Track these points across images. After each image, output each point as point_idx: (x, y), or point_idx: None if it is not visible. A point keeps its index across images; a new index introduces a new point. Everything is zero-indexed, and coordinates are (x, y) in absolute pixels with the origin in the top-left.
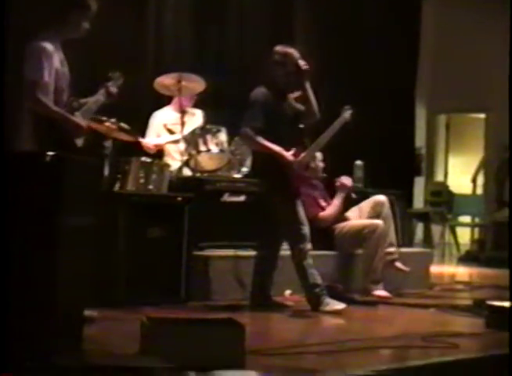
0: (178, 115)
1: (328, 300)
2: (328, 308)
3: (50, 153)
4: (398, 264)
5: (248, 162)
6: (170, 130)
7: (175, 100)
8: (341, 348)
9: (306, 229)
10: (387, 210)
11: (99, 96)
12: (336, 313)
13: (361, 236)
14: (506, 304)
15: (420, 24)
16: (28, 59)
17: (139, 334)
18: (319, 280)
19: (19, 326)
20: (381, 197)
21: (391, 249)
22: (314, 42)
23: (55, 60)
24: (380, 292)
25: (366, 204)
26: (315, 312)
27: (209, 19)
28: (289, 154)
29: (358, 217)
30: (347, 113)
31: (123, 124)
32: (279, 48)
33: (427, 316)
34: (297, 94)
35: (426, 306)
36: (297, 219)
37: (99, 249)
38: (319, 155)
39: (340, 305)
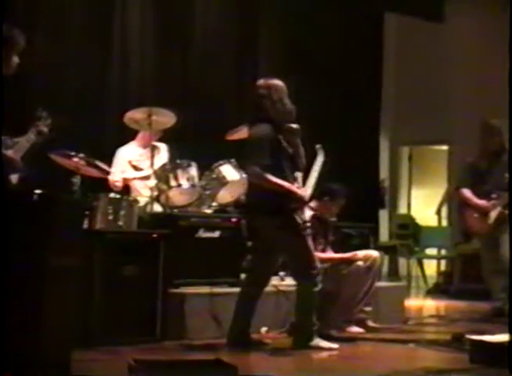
0: (142, 151)
1: (318, 339)
2: (322, 344)
3: (37, 191)
4: (371, 323)
5: (219, 197)
6: (135, 166)
7: (140, 136)
8: None
9: (318, 264)
10: (377, 267)
11: (30, 135)
12: (319, 349)
13: (340, 275)
14: (487, 338)
15: (382, 56)
16: None
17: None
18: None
19: None
20: (375, 253)
21: (367, 309)
22: (277, 69)
23: None
24: (353, 329)
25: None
26: (296, 349)
27: (173, 51)
28: (299, 190)
29: None
30: (321, 153)
31: (94, 160)
32: (261, 81)
33: (408, 351)
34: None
35: (404, 341)
36: (311, 254)
37: (75, 288)
38: None
39: (333, 345)
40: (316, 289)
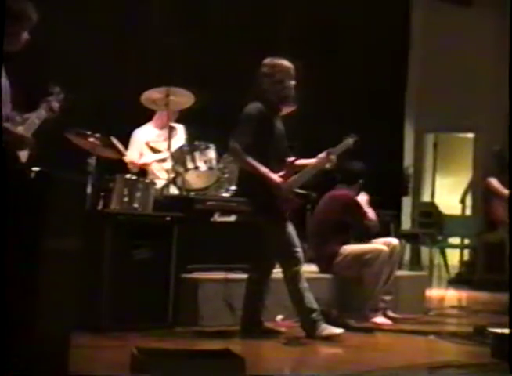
0: (159, 132)
1: (324, 325)
2: (325, 333)
3: (35, 168)
4: (391, 313)
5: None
6: (152, 148)
7: (157, 116)
8: None
9: (299, 252)
10: (396, 254)
11: (41, 111)
12: (333, 339)
13: (362, 260)
14: (509, 331)
15: (409, 44)
16: None
17: (128, 365)
18: (314, 305)
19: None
20: (394, 241)
21: (387, 297)
22: (300, 58)
23: None
24: (380, 319)
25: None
26: (309, 338)
27: (195, 33)
28: (276, 176)
29: None
30: (349, 141)
31: (112, 139)
32: (268, 60)
33: (428, 344)
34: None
35: (424, 333)
36: (288, 241)
37: (83, 271)
38: None
39: (337, 330)
40: (297, 277)
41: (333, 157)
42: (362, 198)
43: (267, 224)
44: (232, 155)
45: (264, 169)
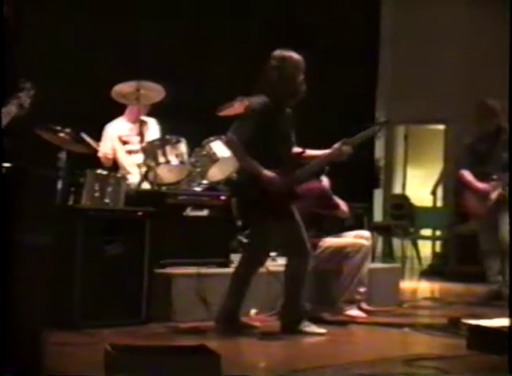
0: (131, 126)
1: (308, 322)
2: (308, 329)
3: (6, 164)
4: (364, 305)
5: (209, 174)
6: (125, 142)
7: (128, 110)
8: None
9: (302, 247)
10: (368, 246)
11: (11, 107)
12: (308, 335)
13: (343, 253)
14: (485, 323)
15: (380, 37)
16: None
17: (102, 362)
18: (305, 302)
19: None
20: (366, 233)
21: (362, 289)
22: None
23: None
24: (354, 312)
25: (349, 237)
26: (285, 333)
27: (167, 26)
28: (268, 174)
29: None
30: (370, 130)
31: (82, 135)
32: (276, 52)
33: (403, 336)
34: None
35: (399, 325)
36: (289, 238)
37: (54, 267)
38: None
39: (320, 330)
40: (305, 268)
41: (346, 148)
42: (324, 183)
43: (261, 221)
44: (228, 147)
45: (256, 165)
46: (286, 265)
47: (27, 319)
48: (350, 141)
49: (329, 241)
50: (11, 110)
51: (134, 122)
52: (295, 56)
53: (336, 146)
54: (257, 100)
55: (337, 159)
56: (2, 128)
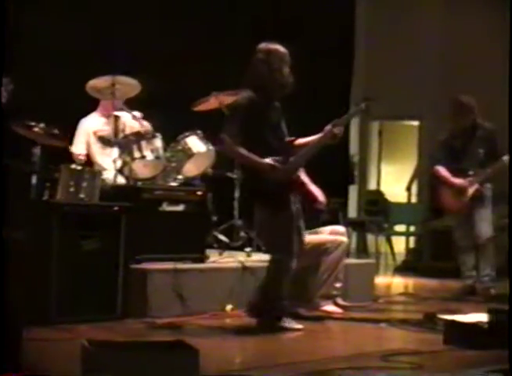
0: (105, 120)
1: (285, 318)
2: (287, 324)
3: None
4: (340, 301)
5: (185, 169)
6: (101, 137)
7: (102, 105)
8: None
9: (293, 244)
10: (347, 243)
11: None
12: (285, 330)
13: (321, 249)
14: (461, 318)
15: (355, 32)
16: None
17: (79, 358)
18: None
19: None
20: (341, 229)
21: (337, 285)
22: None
23: None
24: (330, 308)
25: (324, 232)
26: (261, 328)
27: (142, 19)
28: (264, 163)
29: None
30: (358, 107)
31: (54, 130)
32: (262, 45)
33: (379, 331)
34: None
35: (375, 321)
36: (284, 232)
37: (29, 263)
38: None
39: (298, 325)
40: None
41: (338, 130)
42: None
43: (262, 212)
44: (223, 146)
45: (253, 156)
46: (272, 260)
47: (6, 316)
48: (340, 121)
49: (308, 238)
50: None
51: (108, 117)
52: (281, 48)
53: (327, 128)
54: (243, 95)
55: (330, 141)
56: None
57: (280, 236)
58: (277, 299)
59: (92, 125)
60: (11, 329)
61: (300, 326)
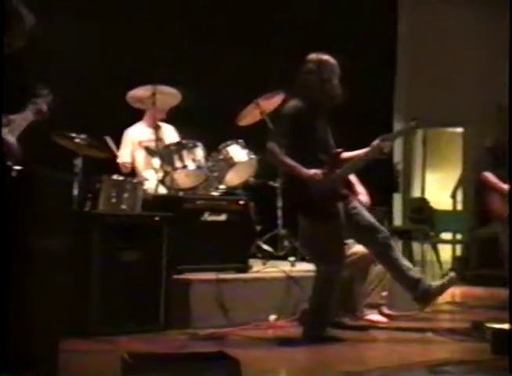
0: (151, 130)
1: (329, 328)
2: (330, 334)
3: (16, 167)
4: (386, 310)
5: (227, 179)
6: (146, 147)
7: (147, 115)
8: None
9: (338, 254)
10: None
11: (28, 113)
12: (329, 339)
13: (370, 258)
14: (508, 327)
15: (397, 39)
16: None
17: (119, 370)
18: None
19: None
20: None
21: (383, 293)
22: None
23: None
24: (375, 317)
25: None
26: (306, 339)
27: (183, 31)
28: (309, 172)
29: None
30: (409, 125)
31: (107, 138)
32: (313, 55)
33: (425, 341)
34: None
35: (421, 330)
36: (327, 242)
37: (70, 274)
38: None
39: (341, 336)
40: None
41: (385, 145)
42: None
43: (306, 222)
44: (268, 155)
45: (298, 166)
46: (319, 270)
47: (43, 326)
48: (388, 137)
49: (356, 247)
50: (27, 116)
51: (153, 127)
52: (331, 59)
53: (374, 143)
54: (291, 104)
55: (377, 156)
56: (19, 134)
57: (322, 247)
58: (322, 310)
59: (137, 135)
60: (44, 340)
61: (344, 336)
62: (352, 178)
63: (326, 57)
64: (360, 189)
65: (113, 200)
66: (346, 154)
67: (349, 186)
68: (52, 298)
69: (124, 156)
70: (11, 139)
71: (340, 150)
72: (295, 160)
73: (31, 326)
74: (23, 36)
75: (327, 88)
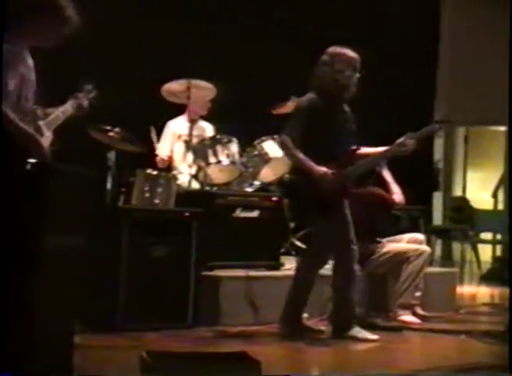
0: (189, 125)
1: (358, 328)
2: (360, 335)
3: (31, 160)
4: (420, 310)
5: (261, 175)
6: (186, 141)
7: (189, 109)
8: None
9: (352, 247)
10: (429, 252)
11: (68, 107)
12: (359, 341)
13: (403, 258)
14: None
15: (439, 35)
16: None
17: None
18: (356, 306)
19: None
20: (421, 236)
21: (417, 294)
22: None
23: (21, 66)
24: (408, 318)
25: (403, 240)
26: (335, 338)
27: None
28: (320, 169)
29: None
30: (434, 126)
31: (152, 130)
32: (330, 48)
33: (458, 344)
34: None
35: (455, 332)
36: (339, 235)
37: (98, 269)
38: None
39: (372, 336)
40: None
41: (410, 142)
42: (387, 173)
43: (315, 217)
44: (281, 148)
45: (308, 162)
46: (335, 268)
47: (55, 323)
48: (415, 135)
49: (388, 246)
50: (67, 109)
51: (190, 121)
52: (349, 52)
53: (399, 140)
54: (305, 98)
55: (400, 153)
56: (55, 127)
57: (325, 244)
58: (348, 307)
59: (178, 129)
60: (58, 335)
61: (374, 336)
62: (387, 176)
63: (342, 50)
64: (395, 188)
65: (147, 195)
66: (365, 150)
67: (384, 184)
68: (65, 294)
69: (163, 148)
70: (46, 132)
71: (355, 147)
72: (309, 154)
73: (43, 322)
74: (63, 36)
75: (338, 79)
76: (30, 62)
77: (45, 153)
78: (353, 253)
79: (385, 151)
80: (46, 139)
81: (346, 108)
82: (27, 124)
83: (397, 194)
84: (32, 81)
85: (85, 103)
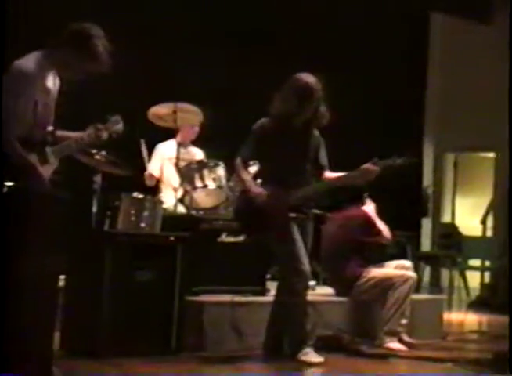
0: (183, 150)
1: (308, 350)
2: (304, 357)
3: (8, 183)
4: (406, 338)
5: None
6: (176, 164)
7: (180, 133)
8: None
9: (301, 265)
10: (415, 278)
11: (85, 136)
12: (312, 365)
13: (389, 284)
14: None
15: (428, 63)
16: (7, 81)
17: None
18: (309, 325)
19: None
20: (407, 263)
21: (403, 321)
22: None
23: (36, 90)
24: (395, 345)
25: (390, 266)
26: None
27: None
28: (256, 189)
29: None
30: (398, 160)
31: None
32: (293, 76)
33: (445, 372)
34: None
35: (442, 360)
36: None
37: (81, 293)
38: None
39: (317, 358)
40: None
41: (374, 168)
42: (370, 207)
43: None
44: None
45: (248, 182)
46: (278, 287)
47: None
48: (379, 163)
49: (374, 272)
50: (82, 139)
51: (185, 145)
52: (305, 79)
53: (362, 167)
54: (257, 123)
55: (360, 181)
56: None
57: (282, 258)
58: (296, 328)
59: (167, 151)
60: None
61: (320, 359)
62: (372, 214)
63: (297, 76)
64: (381, 225)
65: (133, 219)
66: (329, 175)
67: (369, 223)
68: (43, 319)
69: (153, 168)
70: (52, 158)
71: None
72: (264, 175)
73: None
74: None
75: (288, 106)
76: (51, 84)
77: (43, 183)
78: (299, 271)
79: (344, 176)
80: (49, 167)
81: (315, 133)
82: (33, 151)
83: (384, 232)
84: (49, 105)
85: (105, 135)
